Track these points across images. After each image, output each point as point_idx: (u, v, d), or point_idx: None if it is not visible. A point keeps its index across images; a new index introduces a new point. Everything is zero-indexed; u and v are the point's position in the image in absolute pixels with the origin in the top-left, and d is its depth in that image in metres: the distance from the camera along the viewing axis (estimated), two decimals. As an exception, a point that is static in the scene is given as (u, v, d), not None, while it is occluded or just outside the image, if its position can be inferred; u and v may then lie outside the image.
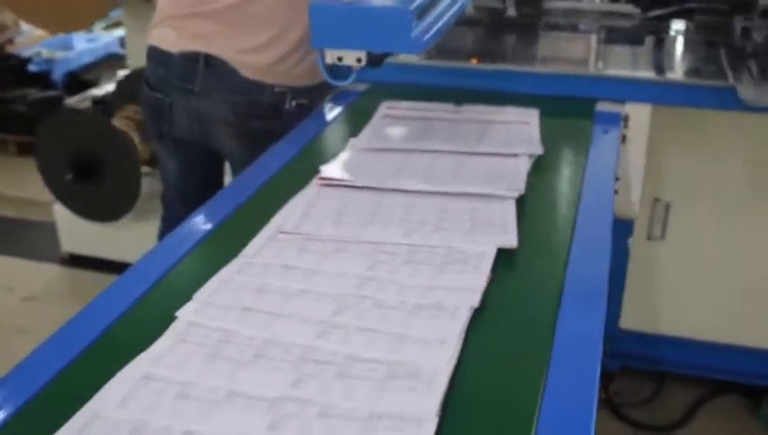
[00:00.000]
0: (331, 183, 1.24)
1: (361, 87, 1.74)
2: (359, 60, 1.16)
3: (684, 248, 2.01)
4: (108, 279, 1.00)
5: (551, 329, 0.89)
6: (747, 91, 1.51)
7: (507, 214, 1.13)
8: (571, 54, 1.90)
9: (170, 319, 0.89)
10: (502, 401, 0.78)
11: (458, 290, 0.94)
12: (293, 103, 1.63)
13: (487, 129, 1.48)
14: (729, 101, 1.55)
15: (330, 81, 1.27)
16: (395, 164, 1.31)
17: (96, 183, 2.53)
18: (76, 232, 2.77)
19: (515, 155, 1.34)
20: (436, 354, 0.82)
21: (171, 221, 1.84)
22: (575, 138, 1.51)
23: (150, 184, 2.53)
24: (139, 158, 2.54)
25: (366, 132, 1.46)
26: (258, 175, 1.31)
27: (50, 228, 2.87)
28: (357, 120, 1.55)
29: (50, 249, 2.87)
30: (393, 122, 1.53)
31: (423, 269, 0.99)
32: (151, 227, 2.62)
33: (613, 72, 1.71)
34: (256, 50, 1.58)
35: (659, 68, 1.80)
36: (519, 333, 0.89)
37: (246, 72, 1.59)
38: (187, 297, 0.93)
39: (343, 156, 1.34)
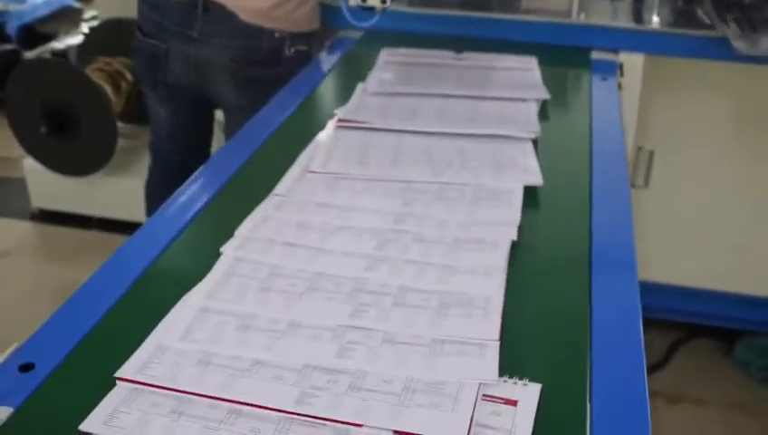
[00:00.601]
0: (349, 125, 1.23)
1: (356, 35, 1.73)
2: (383, 0, 1.15)
3: (666, 197, 2.07)
4: (79, 234, 0.99)
5: (586, 258, 0.91)
6: (740, 42, 1.55)
7: (528, 154, 1.15)
8: (552, 5, 1.91)
9: (214, 256, 0.88)
10: (552, 325, 0.81)
11: (495, 224, 0.96)
12: (292, 50, 1.61)
13: (491, 75, 1.50)
14: (721, 51, 1.59)
15: (353, 23, 1.26)
16: (408, 107, 1.31)
17: (70, 136, 2.46)
18: (46, 187, 2.70)
19: (524, 99, 1.35)
20: (486, 283, 0.84)
21: (163, 166, 1.83)
22: (576, 84, 1.54)
23: (122, 140, 2.48)
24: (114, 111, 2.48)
25: (373, 77, 1.46)
26: (268, 122, 1.30)
27: (20, 184, 2.79)
28: (357, 67, 1.54)
29: (20, 205, 2.79)
30: (398, 68, 1.53)
31: (456, 205, 1.00)
32: (122, 181, 2.59)
33: (607, 22, 1.73)
34: None
35: (645, 19, 1.83)
36: (557, 263, 0.92)
37: (245, 16, 1.56)
38: (227, 234, 0.92)
39: (355, 99, 1.34)
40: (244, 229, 0.94)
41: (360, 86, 1.40)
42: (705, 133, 1.97)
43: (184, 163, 1.74)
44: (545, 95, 1.36)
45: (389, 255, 0.89)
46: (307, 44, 1.64)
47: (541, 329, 0.80)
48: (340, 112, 1.26)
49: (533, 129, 1.22)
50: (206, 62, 1.60)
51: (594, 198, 1.06)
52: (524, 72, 1.51)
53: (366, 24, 1.31)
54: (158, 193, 1.80)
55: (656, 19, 1.87)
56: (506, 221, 0.96)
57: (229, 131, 1.71)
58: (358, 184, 1.06)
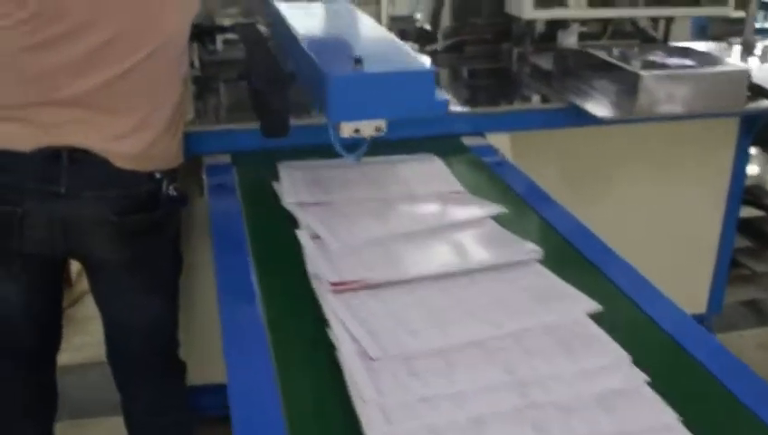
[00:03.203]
0: (347, 288, 1.06)
1: (225, 158, 1.57)
2: (378, 129, 1.03)
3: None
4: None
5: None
6: (600, 108, 1.67)
7: (555, 280, 1.10)
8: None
9: None
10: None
11: (614, 371, 0.89)
12: (171, 188, 1.39)
13: (415, 187, 1.42)
14: (580, 118, 1.70)
15: (345, 155, 1.10)
16: (380, 253, 1.17)
17: None
18: None
19: (479, 220, 1.29)
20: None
21: (15, 356, 1.48)
22: (479, 173, 1.52)
23: None
24: None
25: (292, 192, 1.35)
26: (236, 280, 1.10)
27: None
28: (267, 192, 1.39)
29: None
30: (311, 178, 1.41)
31: (552, 355, 0.92)
32: None
33: (463, 108, 1.74)
34: (129, 134, 1.32)
35: (479, 99, 1.90)
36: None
37: (119, 162, 1.32)
38: None
39: (312, 245, 1.17)
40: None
41: (300, 231, 1.22)
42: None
43: (42, 345, 1.50)
44: (496, 209, 1.31)
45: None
46: (177, 179, 1.43)
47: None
48: (322, 273, 1.08)
49: (531, 249, 1.17)
50: (77, 218, 1.33)
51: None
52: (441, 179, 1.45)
53: (355, 156, 1.15)
54: (21, 393, 1.50)
55: (497, 93, 1.93)
56: (618, 363, 0.90)
57: (105, 292, 1.46)
58: (435, 360, 0.91)
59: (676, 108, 1.69)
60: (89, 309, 2.10)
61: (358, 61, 0.99)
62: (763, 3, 3.07)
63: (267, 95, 1.29)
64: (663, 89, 1.66)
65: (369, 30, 1.33)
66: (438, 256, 1.16)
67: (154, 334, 1.49)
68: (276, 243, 1.21)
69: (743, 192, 2.26)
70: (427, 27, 2.23)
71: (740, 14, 2.38)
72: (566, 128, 1.77)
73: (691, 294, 2.38)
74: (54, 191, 1.30)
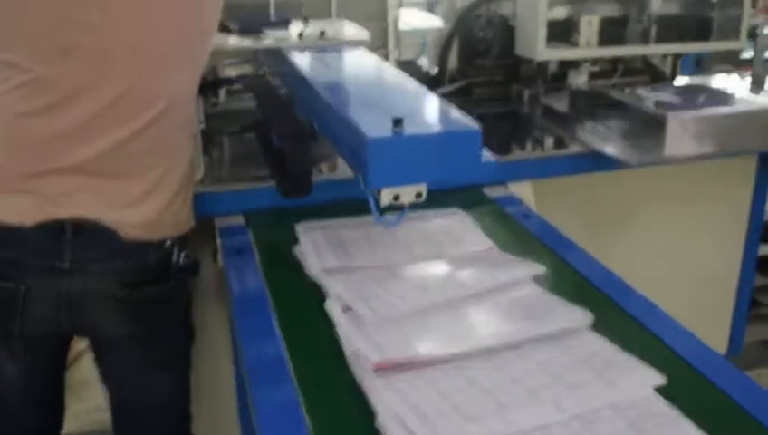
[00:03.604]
0: (391, 367, 0.97)
1: (238, 219, 1.48)
2: (418, 194, 0.95)
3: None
4: None
5: None
6: (624, 152, 1.61)
7: (612, 350, 1.02)
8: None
9: None
10: None
11: None
12: (181, 257, 1.30)
13: (447, 248, 1.33)
14: (604, 163, 1.64)
15: (383, 222, 1.01)
16: (421, 325, 1.08)
17: None
18: None
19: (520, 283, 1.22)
20: None
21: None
22: (507, 227, 1.44)
23: None
24: None
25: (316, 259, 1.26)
26: (268, 367, 1.00)
27: None
28: (288, 258, 1.30)
29: None
30: (333, 240, 1.34)
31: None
32: None
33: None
34: (140, 200, 1.24)
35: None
36: None
37: (129, 232, 1.23)
38: None
39: (345, 320, 1.08)
40: None
41: (329, 303, 1.13)
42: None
43: (43, 427, 1.41)
44: (536, 269, 1.23)
45: None
46: (187, 246, 1.34)
47: None
48: (363, 354, 0.99)
49: (581, 317, 1.09)
50: (83, 294, 1.24)
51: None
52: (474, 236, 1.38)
53: (394, 222, 1.07)
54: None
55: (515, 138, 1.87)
56: None
57: (114, 371, 1.36)
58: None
59: (703, 148, 1.63)
60: (84, 372, 1.98)
61: (397, 121, 0.92)
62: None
63: (289, 154, 1.21)
64: (689, 130, 1.60)
65: (400, 82, 1.24)
66: (485, 327, 1.08)
67: (167, 414, 1.39)
68: (306, 319, 1.12)
69: (762, 230, 2.20)
70: (434, 70, 2.16)
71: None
72: (590, 173, 1.71)
73: (712, 335, 2.30)
74: (58, 266, 1.21)
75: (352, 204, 1.23)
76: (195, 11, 1.26)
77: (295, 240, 1.35)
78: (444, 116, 1.04)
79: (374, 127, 0.94)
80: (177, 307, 1.35)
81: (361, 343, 1.01)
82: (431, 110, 1.06)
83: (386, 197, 0.96)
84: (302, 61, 1.43)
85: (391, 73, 1.33)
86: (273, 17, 1.82)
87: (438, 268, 1.24)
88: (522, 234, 1.42)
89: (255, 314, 1.13)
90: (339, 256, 1.28)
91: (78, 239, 1.20)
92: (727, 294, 2.28)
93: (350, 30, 1.70)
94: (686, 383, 0.97)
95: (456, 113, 1.05)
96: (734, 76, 2.40)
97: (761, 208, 2.15)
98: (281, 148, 1.23)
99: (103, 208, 1.21)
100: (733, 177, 2.10)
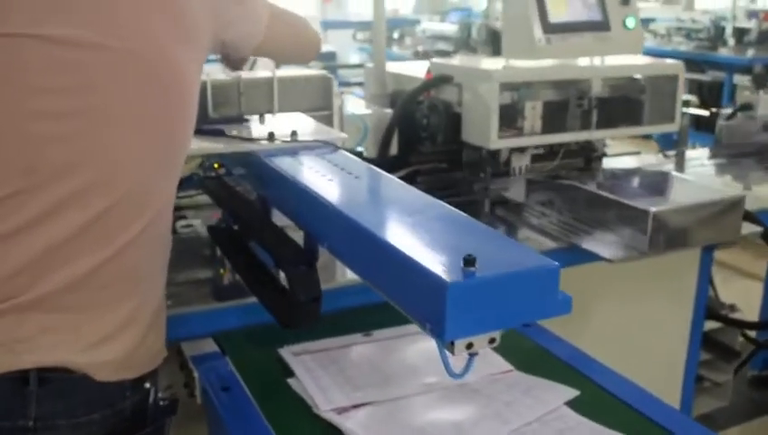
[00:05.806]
0: None
1: (209, 344, 1.29)
2: (492, 340, 0.81)
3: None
4: None
5: None
6: (606, 249, 1.55)
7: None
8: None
9: None
10: None
11: None
12: (158, 395, 1.11)
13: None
14: (583, 257, 1.60)
15: (457, 379, 0.86)
16: None
17: None
18: None
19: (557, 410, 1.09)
20: None
21: None
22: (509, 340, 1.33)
23: None
24: None
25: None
26: None
27: None
28: (283, 391, 1.14)
29: None
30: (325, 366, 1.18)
31: None
32: None
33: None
34: (113, 335, 1.04)
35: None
36: None
37: (103, 374, 1.02)
38: None
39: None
40: None
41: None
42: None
43: None
44: (569, 393, 1.11)
45: None
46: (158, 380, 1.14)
47: None
48: None
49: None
50: None
51: None
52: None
53: (463, 376, 0.90)
54: None
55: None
56: None
57: None
58: None
59: (684, 241, 1.60)
60: None
61: (469, 261, 0.77)
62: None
63: (295, 282, 1.03)
64: (671, 223, 1.56)
65: (429, 202, 1.06)
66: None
67: None
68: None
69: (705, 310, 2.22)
70: (373, 159, 2.04)
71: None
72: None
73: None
74: (21, 426, 0.98)
75: (325, 313, 1.08)
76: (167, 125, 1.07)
77: (284, 368, 1.17)
78: (514, 251, 0.89)
79: (443, 266, 0.78)
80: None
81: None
82: (485, 239, 0.90)
83: (459, 348, 0.80)
84: (290, 167, 1.22)
85: (401, 186, 1.16)
86: (211, 114, 1.63)
87: (464, 400, 1.09)
88: (535, 350, 1.29)
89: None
90: (347, 392, 1.11)
91: (43, 390, 0.98)
92: (676, 374, 2.28)
93: (309, 125, 1.55)
94: None
95: (522, 248, 0.93)
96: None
97: (704, 293, 2.17)
98: (288, 276, 1.04)
99: (72, 350, 1.00)
100: (678, 266, 2.11)
